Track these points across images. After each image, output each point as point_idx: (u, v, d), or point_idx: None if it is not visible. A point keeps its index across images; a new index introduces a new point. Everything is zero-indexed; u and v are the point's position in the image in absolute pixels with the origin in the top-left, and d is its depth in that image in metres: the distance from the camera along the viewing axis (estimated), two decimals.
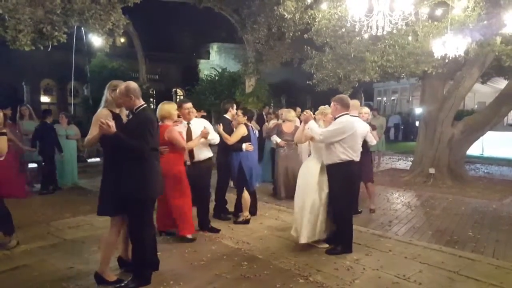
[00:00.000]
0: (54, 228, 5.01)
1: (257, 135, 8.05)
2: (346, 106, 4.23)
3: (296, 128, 6.74)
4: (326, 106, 4.61)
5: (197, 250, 4.21)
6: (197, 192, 4.70)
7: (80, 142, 8.43)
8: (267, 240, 4.61)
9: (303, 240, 4.22)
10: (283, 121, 7.14)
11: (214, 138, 4.90)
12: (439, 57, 6.34)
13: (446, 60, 6.69)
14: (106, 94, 3.32)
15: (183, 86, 25.71)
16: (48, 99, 27.55)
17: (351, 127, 4.14)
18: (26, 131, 7.57)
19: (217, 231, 4.87)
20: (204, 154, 4.87)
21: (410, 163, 10.25)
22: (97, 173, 9.31)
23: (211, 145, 5.04)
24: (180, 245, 4.37)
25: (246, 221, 5.28)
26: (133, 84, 3.26)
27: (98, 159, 10.99)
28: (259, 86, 11.52)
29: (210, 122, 8.24)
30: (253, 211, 5.56)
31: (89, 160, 10.86)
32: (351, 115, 4.48)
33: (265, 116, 10.41)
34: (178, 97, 29.96)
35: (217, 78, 17.63)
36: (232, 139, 5.13)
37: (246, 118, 5.33)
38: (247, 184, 5.25)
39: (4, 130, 3.91)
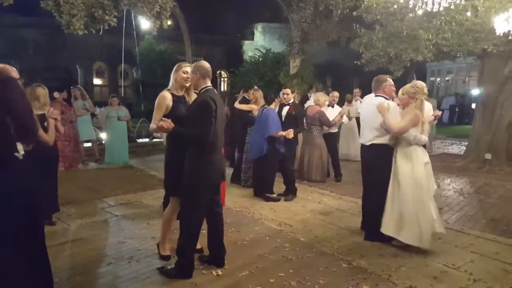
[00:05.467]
0: (106, 204, 5.30)
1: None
2: (374, 87, 4.08)
3: (317, 112, 6.41)
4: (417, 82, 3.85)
5: (240, 230, 4.28)
6: None
7: (130, 123, 8.78)
8: (310, 224, 4.59)
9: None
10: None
11: None
12: (501, 34, 5.87)
13: (510, 37, 6.16)
14: (173, 75, 3.29)
15: (227, 68, 25.85)
16: (100, 81, 28.92)
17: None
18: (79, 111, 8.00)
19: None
20: None
21: (464, 147, 9.73)
22: (146, 153, 9.79)
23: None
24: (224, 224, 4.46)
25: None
26: (203, 62, 3.18)
27: (147, 140, 11.43)
28: (303, 67, 11.26)
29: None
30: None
31: (139, 141, 11.30)
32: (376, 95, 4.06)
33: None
34: (222, 79, 30.13)
35: (261, 59, 17.52)
36: None
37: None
38: None
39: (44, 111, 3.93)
